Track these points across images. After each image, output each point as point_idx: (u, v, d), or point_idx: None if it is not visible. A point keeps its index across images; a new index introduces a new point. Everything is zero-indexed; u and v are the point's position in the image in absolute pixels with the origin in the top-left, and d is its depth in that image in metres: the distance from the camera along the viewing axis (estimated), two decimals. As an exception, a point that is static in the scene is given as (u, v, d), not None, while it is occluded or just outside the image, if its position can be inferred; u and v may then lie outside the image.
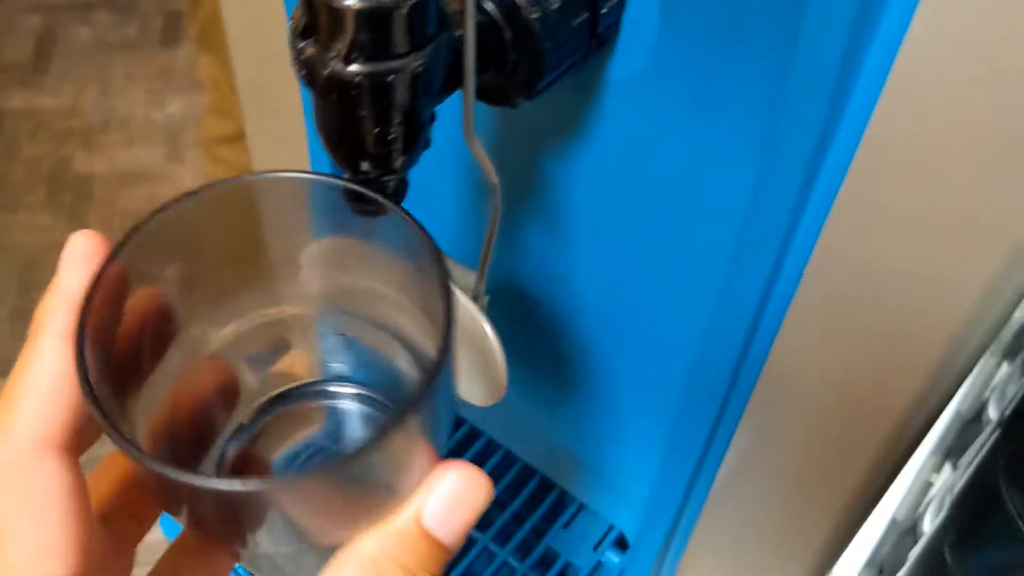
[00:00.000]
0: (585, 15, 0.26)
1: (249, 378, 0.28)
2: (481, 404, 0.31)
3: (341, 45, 0.20)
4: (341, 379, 0.29)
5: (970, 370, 0.39)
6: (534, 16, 0.24)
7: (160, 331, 0.24)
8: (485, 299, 0.28)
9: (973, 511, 0.32)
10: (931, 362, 0.36)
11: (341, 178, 0.24)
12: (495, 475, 0.43)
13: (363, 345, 0.28)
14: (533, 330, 0.33)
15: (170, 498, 0.22)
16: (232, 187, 0.24)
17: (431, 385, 0.20)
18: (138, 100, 1.58)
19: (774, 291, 0.31)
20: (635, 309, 0.35)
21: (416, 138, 0.24)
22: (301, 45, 0.21)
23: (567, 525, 0.42)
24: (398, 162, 0.24)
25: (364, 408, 0.29)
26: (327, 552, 0.23)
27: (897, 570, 0.40)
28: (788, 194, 0.26)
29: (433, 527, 0.22)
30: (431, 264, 0.23)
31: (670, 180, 0.30)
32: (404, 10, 0.20)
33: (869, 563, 0.39)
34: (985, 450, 0.32)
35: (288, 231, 0.26)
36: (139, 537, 0.25)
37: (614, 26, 0.27)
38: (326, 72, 0.21)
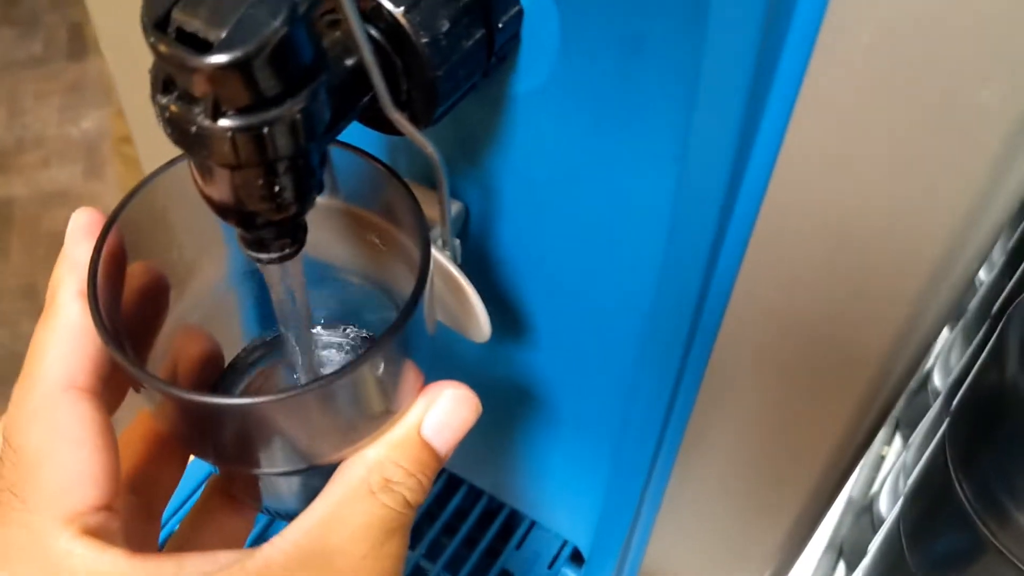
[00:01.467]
0: (480, 32, 0.24)
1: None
2: (474, 340, 0.32)
3: (205, 101, 0.18)
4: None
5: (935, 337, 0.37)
6: (424, 41, 0.22)
7: (156, 302, 0.26)
8: (456, 243, 0.29)
9: (927, 501, 0.31)
10: (893, 329, 0.35)
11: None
12: (441, 501, 0.42)
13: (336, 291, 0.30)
14: (477, 345, 0.32)
15: (184, 423, 0.24)
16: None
17: (412, 308, 0.22)
18: (50, 118, 1.51)
19: (711, 289, 0.30)
20: (575, 309, 0.34)
21: (308, 185, 0.22)
22: (164, 101, 0.19)
23: (520, 545, 0.40)
24: (291, 212, 0.22)
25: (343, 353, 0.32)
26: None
27: (857, 551, 0.40)
28: (712, 204, 0.25)
29: (431, 437, 0.25)
30: (401, 194, 0.24)
31: (598, 182, 0.29)
32: (264, 56, 0.18)
33: (829, 546, 0.38)
34: (936, 438, 0.32)
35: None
36: (163, 506, 0.28)
37: (514, 39, 0.26)
38: (193, 130, 0.19)
